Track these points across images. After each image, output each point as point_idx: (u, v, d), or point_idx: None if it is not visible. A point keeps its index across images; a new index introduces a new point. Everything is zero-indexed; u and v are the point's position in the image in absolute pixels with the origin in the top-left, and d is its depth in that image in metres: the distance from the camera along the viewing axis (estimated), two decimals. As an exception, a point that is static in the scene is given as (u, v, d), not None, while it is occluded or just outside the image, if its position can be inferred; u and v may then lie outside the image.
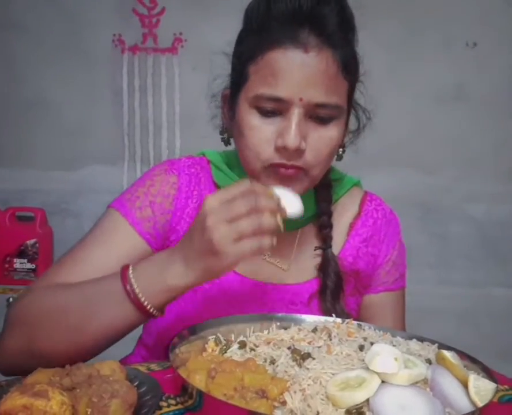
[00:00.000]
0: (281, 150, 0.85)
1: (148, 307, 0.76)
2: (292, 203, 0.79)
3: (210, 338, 0.79)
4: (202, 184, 0.98)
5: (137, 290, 0.75)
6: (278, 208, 0.74)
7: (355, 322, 0.84)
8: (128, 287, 0.76)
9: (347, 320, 0.84)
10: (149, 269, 0.78)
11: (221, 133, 0.98)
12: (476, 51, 2.40)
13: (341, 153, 0.96)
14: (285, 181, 0.87)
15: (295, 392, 0.64)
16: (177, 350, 0.74)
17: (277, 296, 0.97)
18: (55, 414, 0.58)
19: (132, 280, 0.76)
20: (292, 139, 0.83)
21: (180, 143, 2.46)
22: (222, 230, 0.70)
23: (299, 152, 0.85)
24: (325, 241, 0.99)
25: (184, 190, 0.96)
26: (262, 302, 0.96)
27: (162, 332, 0.97)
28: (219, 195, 0.73)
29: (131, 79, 2.46)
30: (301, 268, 0.99)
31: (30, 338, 0.80)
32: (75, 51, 2.45)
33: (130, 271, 0.77)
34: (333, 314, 0.89)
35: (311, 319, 0.88)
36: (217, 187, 0.98)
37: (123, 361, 1.09)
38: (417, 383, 0.63)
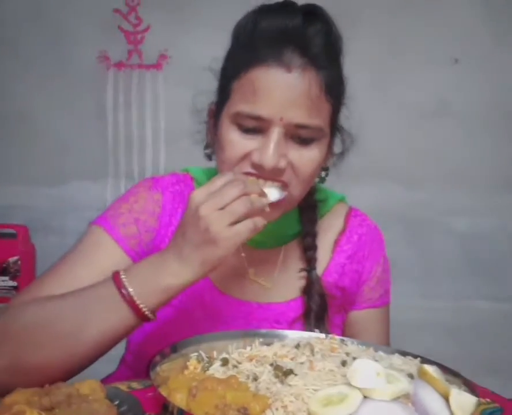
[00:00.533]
0: (257, 167, 0.84)
1: (143, 310, 0.75)
2: (270, 192, 0.83)
3: (192, 355, 0.78)
4: (186, 202, 0.95)
5: (132, 293, 0.75)
6: (263, 193, 0.79)
7: (338, 337, 0.84)
8: (123, 290, 0.75)
9: (330, 335, 0.84)
10: (142, 271, 0.78)
11: (205, 148, 0.97)
12: (458, 67, 2.43)
13: (323, 175, 0.96)
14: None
15: (277, 409, 0.63)
16: (158, 368, 0.73)
17: (262, 315, 0.96)
18: (33, 435, 0.57)
19: (126, 283, 0.76)
20: (269, 158, 0.82)
21: (165, 159, 2.46)
22: (217, 217, 0.72)
23: (277, 171, 0.84)
24: (309, 262, 0.98)
25: (168, 208, 0.96)
26: (246, 322, 0.95)
27: (142, 351, 0.96)
28: (205, 188, 0.76)
29: (116, 95, 2.46)
30: (286, 286, 0.98)
31: (15, 354, 0.77)
32: (60, 66, 2.44)
33: (122, 275, 0.77)
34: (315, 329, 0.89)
35: (294, 335, 0.87)
36: None
37: (106, 380, 1.07)
38: (399, 397, 0.63)
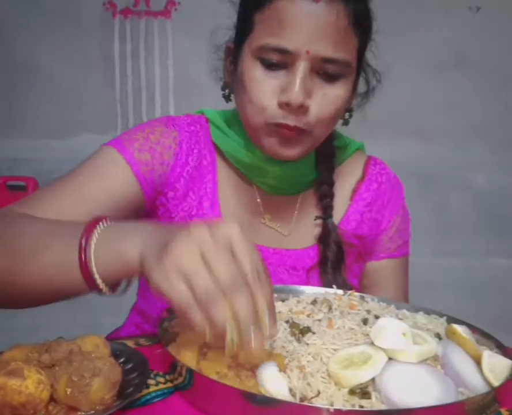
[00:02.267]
0: (283, 105, 0.80)
1: (92, 271, 0.62)
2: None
3: None
4: (202, 143, 0.94)
5: (92, 247, 0.62)
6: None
7: (357, 294, 0.79)
8: (83, 241, 0.63)
9: (349, 292, 0.79)
10: (118, 229, 0.65)
11: (222, 88, 0.93)
12: (479, 15, 2.33)
13: (347, 117, 0.92)
14: (287, 143, 0.83)
15: (291, 370, 0.59)
16: (166, 325, 0.69)
17: (278, 261, 0.94)
18: (31, 394, 0.53)
19: (95, 236, 0.63)
20: (295, 95, 0.78)
21: (174, 110, 2.39)
22: (198, 269, 0.55)
23: (302, 109, 0.80)
24: (325, 210, 0.96)
25: (185, 147, 0.92)
26: None
27: (159, 298, 0.92)
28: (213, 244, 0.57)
29: (123, 45, 2.38)
30: (302, 234, 0.96)
31: None
32: (64, 14, 2.37)
33: (101, 225, 0.64)
34: (334, 286, 0.85)
35: (311, 290, 0.83)
36: (216, 146, 0.95)
37: (114, 333, 1.05)
38: (426, 360, 0.58)
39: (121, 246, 0.61)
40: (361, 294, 0.80)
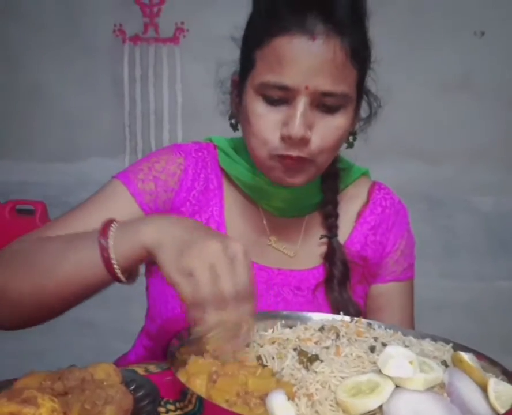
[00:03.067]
0: (286, 139, 0.83)
1: (114, 263, 0.70)
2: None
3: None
4: (209, 168, 0.98)
5: (109, 243, 0.71)
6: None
7: (364, 321, 0.80)
8: (102, 240, 0.71)
9: (356, 319, 0.80)
10: (131, 222, 0.74)
11: (230, 118, 0.96)
12: (484, 40, 2.35)
13: (351, 140, 0.94)
14: (291, 171, 0.86)
15: (299, 398, 0.60)
16: (176, 352, 0.70)
17: (283, 281, 0.96)
18: (44, 422, 0.54)
19: (111, 233, 0.71)
20: (296, 129, 0.81)
21: (182, 135, 2.42)
22: (207, 274, 0.64)
23: (304, 141, 0.83)
24: (331, 230, 0.98)
25: (191, 172, 0.96)
26: (267, 286, 0.95)
27: (165, 316, 0.95)
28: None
29: (132, 70, 2.42)
30: (308, 255, 0.98)
31: (5, 280, 0.76)
32: (75, 40, 2.41)
33: (113, 225, 0.72)
34: (340, 305, 0.89)
35: (318, 317, 0.84)
36: (223, 171, 0.98)
37: (123, 358, 1.06)
38: (433, 387, 0.59)
39: (138, 230, 0.70)
40: (368, 321, 0.80)
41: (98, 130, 2.41)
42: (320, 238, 0.98)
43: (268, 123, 0.84)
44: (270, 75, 0.82)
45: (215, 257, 0.64)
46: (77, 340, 2.19)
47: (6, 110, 2.48)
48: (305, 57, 0.80)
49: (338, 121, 0.85)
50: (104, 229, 0.72)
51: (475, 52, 2.29)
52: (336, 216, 0.98)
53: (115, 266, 0.70)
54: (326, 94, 0.82)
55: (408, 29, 2.27)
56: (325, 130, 0.84)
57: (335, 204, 0.99)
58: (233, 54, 0.93)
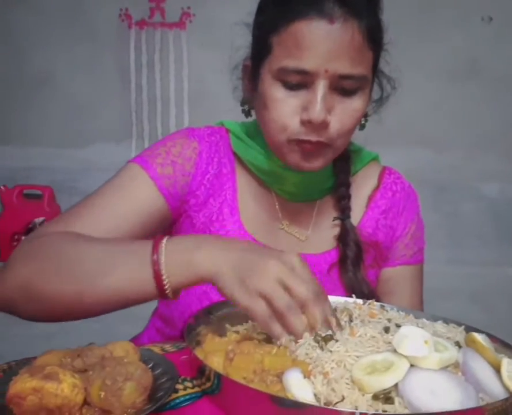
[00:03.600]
0: (306, 123, 0.83)
1: (164, 281, 0.71)
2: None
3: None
4: (221, 152, 0.98)
5: (161, 260, 0.71)
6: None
7: (377, 303, 0.80)
8: (155, 256, 0.71)
9: (368, 301, 0.81)
10: (184, 242, 0.74)
11: (242, 104, 0.96)
12: (492, 25, 2.34)
13: (363, 122, 0.95)
14: (310, 156, 0.87)
15: (315, 376, 0.61)
16: (193, 331, 0.71)
17: None
18: (66, 397, 0.55)
19: (162, 249, 0.72)
20: (317, 113, 0.82)
21: (189, 120, 2.43)
22: (280, 292, 0.67)
23: (324, 125, 0.83)
24: (344, 211, 0.99)
25: (205, 156, 0.96)
26: None
27: (181, 299, 0.95)
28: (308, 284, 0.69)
29: (138, 55, 2.42)
30: (320, 239, 0.99)
31: (32, 277, 0.76)
32: (81, 26, 2.41)
33: (164, 240, 0.73)
34: (354, 285, 0.91)
35: (330, 299, 0.84)
36: (235, 155, 0.98)
37: (134, 341, 1.07)
38: (447, 367, 0.60)
39: (192, 258, 0.71)
40: (381, 303, 0.81)
41: (105, 116, 2.42)
42: (334, 220, 0.99)
43: (287, 108, 0.84)
44: (289, 60, 0.82)
45: (279, 272, 0.67)
46: (85, 324, 2.21)
47: (12, 97, 2.48)
48: (324, 41, 0.81)
49: (356, 104, 0.86)
50: (156, 252, 0.72)
51: (483, 38, 2.28)
52: (349, 197, 0.99)
53: (168, 291, 0.71)
54: (344, 77, 0.83)
55: (416, 16, 2.27)
56: (344, 113, 0.85)
57: (347, 185, 1.00)
58: (242, 39, 0.93)
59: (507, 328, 2.23)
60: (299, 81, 0.83)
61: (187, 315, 0.92)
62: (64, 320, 0.79)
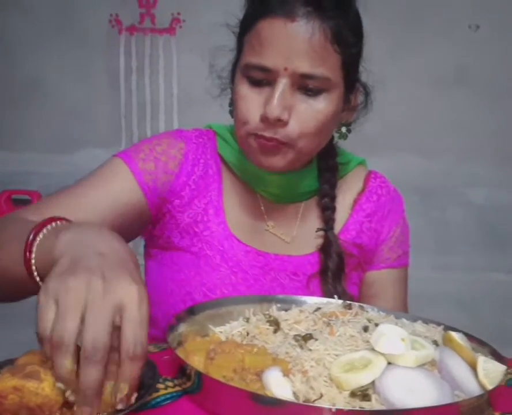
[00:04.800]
0: (264, 119, 0.85)
1: (32, 261, 0.63)
2: None
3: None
4: (208, 154, 0.99)
5: (35, 242, 0.63)
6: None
7: (357, 304, 0.81)
8: (32, 234, 0.64)
9: (348, 302, 0.82)
10: (63, 226, 0.65)
11: (230, 105, 0.98)
12: (479, 33, 2.37)
13: (344, 131, 0.96)
14: (267, 153, 0.87)
15: (294, 374, 0.61)
16: (175, 332, 0.72)
17: (279, 266, 0.97)
18: (47, 396, 0.55)
19: (44, 230, 0.64)
20: (272, 109, 0.83)
21: (178, 125, 2.43)
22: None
23: (280, 122, 0.84)
24: (327, 222, 0.99)
25: (191, 157, 0.97)
26: (263, 271, 0.97)
27: (165, 300, 0.97)
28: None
29: (128, 61, 2.42)
30: (304, 241, 1.00)
31: None
32: (71, 31, 2.41)
33: (52, 223, 0.65)
34: (334, 296, 0.88)
35: (312, 300, 0.85)
36: (222, 158, 0.99)
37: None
38: (424, 365, 0.61)
39: (58, 236, 0.61)
40: (360, 304, 0.82)
41: (95, 121, 2.42)
42: (317, 231, 0.99)
43: (250, 104, 0.86)
44: (252, 56, 0.85)
45: (91, 298, 0.53)
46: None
47: (2, 102, 2.48)
48: (285, 38, 0.82)
49: (320, 106, 0.86)
50: (39, 226, 0.64)
51: (470, 46, 2.31)
52: (333, 209, 1.00)
53: (33, 267, 0.63)
54: (305, 76, 0.83)
55: (403, 22, 2.28)
56: (305, 113, 0.85)
57: (332, 197, 1.00)
58: (231, 43, 0.95)
59: (494, 333, 2.25)
60: (262, 78, 0.85)
61: (171, 316, 0.92)
62: None
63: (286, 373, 0.61)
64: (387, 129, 2.17)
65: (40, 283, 0.62)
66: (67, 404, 0.58)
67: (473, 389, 0.59)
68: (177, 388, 0.65)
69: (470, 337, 0.71)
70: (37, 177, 2.42)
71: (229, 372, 0.62)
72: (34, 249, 0.63)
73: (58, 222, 0.66)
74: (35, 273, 0.63)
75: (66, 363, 0.53)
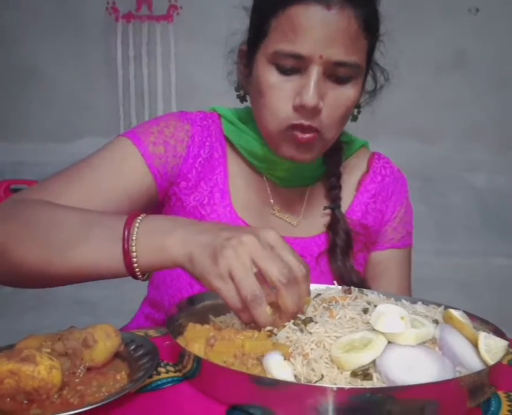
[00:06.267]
0: (298, 109, 0.84)
1: (133, 260, 0.69)
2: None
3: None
4: (213, 137, 0.98)
5: (133, 238, 0.69)
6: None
7: (356, 289, 0.81)
8: (126, 232, 0.69)
9: (346, 288, 0.81)
10: (157, 223, 0.72)
11: (237, 89, 0.97)
12: (478, 17, 2.35)
13: (356, 113, 0.95)
14: (301, 147, 0.87)
15: (295, 358, 0.61)
16: (175, 322, 0.72)
17: None
18: (43, 379, 0.55)
19: (135, 227, 0.70)
20: (310, 98, 0.82)
21: (177, 113, 2.42)
22: (243, 269, 0.64)
23: (316, 111, 0.84)
24: (334, 201, 1.00)
25: (197, 140, 0.96)
26: None
27: (171, 284, 0.96)
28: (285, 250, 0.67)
29: (125, 49, 2.41)
30: (310, 224, 1.00)
31: (7, 237, 0.75)
32: (68, 19, 2.40)
33: (139, 218, 0.71)
34: (343, 274, 0.92)
35: (312, 287, 0.84)
36: (227, 141, 0.99)
37: (122, 329, 1.07)
38: (424, 342, 0.60)
39: (164, 241, 0.68)
40: (360, 289, 0.81)
41: (92, 110, 2.41)
42: (324, 209, 1.00)
43: (281, 93, 0.85)
44: (284, 43, 0.83)
45: (252, 252, 0.64)
46: (73, 319, 2.20)
47: (1, 93, 2.47)
48: (320, 26, 0.81)
49: (349, 92, 0.86)
50: (128, 229, 0.70)
51: (470, 30, 2.29)
52: (339, 188, 1.00)
53: (137, 270, 0.70)
54: (338, 64, 0.83)
55: (402, 6, 2.27)
56: (336, 101, 0.85)
57: (338, 176, 1.01)
58: (244, 23, 0.93)
59: (494, 317, 2.25)
60: (293, 66, 0.83)
61: (177, 300, 0.92)
62: (31, 286, 0.79)
63: (287, 357, 0.61)
64: (387, 114, 2.16)
65: (138, 273, 0.70)
66: (67, 387, 0.58)
67: (475, 365, 0.59)
68: (178, 374, 0.64)
69: (471, 316, 0.70)
70: (36, 167, 2.42)
71: (229, 358, 0.61)
72: (133, 245, 0.69)
73: (137, 221, 0.71)
74: (136, 267, 0.70)
75: (266, 310, 0.64)
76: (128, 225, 0.70)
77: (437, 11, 2.32)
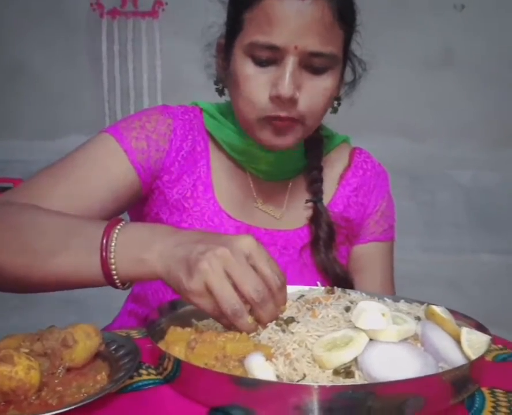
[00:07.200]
0: (275, 99, 0.84)
1: (113, 272, 0.69)
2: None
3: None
4: (196, 131, 0.98)
5: (111, 249, 0.69)
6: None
7: (339, 289, 0.80)
8: (104, 241, 0.69)
9: (329, 288, 0.80)
10: (136, 233, 0.71)
11: (215, 83, 0.97)
12: (464, 13, 2.35)
13: (336, 105, 0.96)
14: (279, 132, 0.87)
15: (277, 358, 0.60)
16: (157, 327, 0.71)
17: (269, 241, 0.98)
18: (21, 379, 0.54)
19: (114, 235, 0.69)
20: (285, 88, 0.82)
21: (162, 110, 2.41)
22: (219, 278, 0.63)
23: (293, 101, 0.84)
24: (316, 194, 1.00)
25: (179, 133, 0.96)
26: None
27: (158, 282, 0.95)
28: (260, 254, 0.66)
29: (111, 45, 2.39)
30: (293, 216, 1.00)
31: None
32: (52, 15, 2.37)
33: (118, 226, 0.70)
34: (326, 266, 0.93)
35: (295, 288, 0.83)
36: (209, 135, 0.99)
37: (105, 328, 1.06)
38: (407, 339, 0.60)
39: (142, 254, 0.68)
40: (342, 289, 0.81)
41: (78, 107, 2.38)
42: (306, 202, 1.00)
43: (257, 84, 0.85)
44: (259, 35, 0.83)
45: (226, 265, 0.63)
46: (61, 317, 2.18)
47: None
48: (295, 17, 0.81)
49: (326, 83, 0.86)
50: (106, 238, 0.69)
51: (456, 26, 2.29)
52: (321, 181, 1.01)
53: (116, 280, 0.70)
54: (314, 54, 0.83)
55: (387, 3, 2.26)
56: (313, 91, 0.85)
57: (320, 169, 1.01)
58: (218, 19, 0.93)
59: (482, 314, 2.26)
60: (269, 57, 0.83)
61: (160, 293, 0.92)
62: (12, 290, 0.78)
63: (269, 358, 0.60)
64: (373, 111, 2.16)
65: (118, 283, 0.70)
66: (45, 388, 0.57)
67: (457, 360, 0.58)
68: (159, 377, 0.64)
69: (453, 312, 0.70)
70: (20, 165, 2.39)
71: (210, 360, 0.61)
72: (110, 256, 0.68)
73: (118, 224, 0.70)
74: (116, 278, 0.69)
75: (247, 320, 0.64)
76: (107, 234, 0.69)
77: (423, 8, 2.32)
